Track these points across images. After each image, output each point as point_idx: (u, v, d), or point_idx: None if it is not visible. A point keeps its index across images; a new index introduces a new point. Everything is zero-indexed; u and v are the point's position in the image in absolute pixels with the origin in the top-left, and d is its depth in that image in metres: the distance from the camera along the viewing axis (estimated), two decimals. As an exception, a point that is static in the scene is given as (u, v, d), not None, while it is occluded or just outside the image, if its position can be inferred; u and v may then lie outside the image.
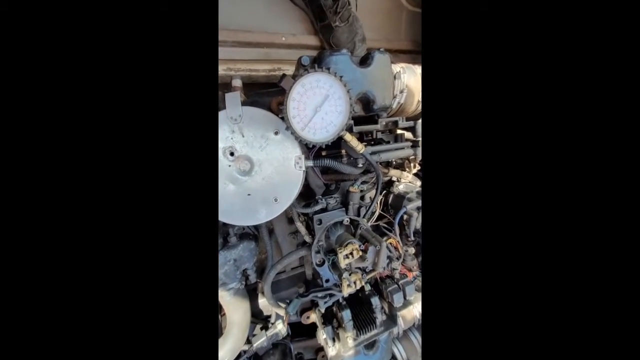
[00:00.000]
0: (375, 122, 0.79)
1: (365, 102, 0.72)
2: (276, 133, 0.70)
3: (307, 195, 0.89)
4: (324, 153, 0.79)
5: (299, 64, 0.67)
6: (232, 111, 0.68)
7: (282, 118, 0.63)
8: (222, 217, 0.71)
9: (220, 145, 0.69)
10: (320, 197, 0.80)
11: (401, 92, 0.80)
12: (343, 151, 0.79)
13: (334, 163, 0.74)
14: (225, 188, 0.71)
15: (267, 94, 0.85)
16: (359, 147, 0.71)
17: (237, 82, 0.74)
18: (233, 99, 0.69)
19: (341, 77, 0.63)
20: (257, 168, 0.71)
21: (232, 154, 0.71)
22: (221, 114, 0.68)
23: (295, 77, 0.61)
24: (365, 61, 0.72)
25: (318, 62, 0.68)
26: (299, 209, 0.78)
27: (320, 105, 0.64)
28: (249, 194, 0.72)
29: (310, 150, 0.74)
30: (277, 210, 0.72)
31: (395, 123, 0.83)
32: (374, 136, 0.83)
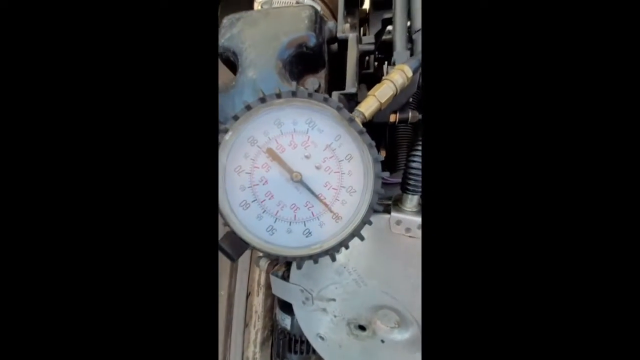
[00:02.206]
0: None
1: (308, 59, 0.43)
2: (334, 257, 0.37)
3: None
4: (381, 153, 0.43)
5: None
6: (292, 295, 0.46)
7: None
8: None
9: (336, 336, 0.46)
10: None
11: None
12: (391, 117, 0.41)
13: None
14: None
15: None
16: (399, 77, 0.31)
17: (262, 264, 0.49)
18: (279, 285, 0.48)
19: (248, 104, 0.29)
20: (404, 312, 0.39)
21: (362, 327, 0.42)
22: (296, 311, 0.48)
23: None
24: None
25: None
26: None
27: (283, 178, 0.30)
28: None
29: (380, 200, 0.36)
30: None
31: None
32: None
